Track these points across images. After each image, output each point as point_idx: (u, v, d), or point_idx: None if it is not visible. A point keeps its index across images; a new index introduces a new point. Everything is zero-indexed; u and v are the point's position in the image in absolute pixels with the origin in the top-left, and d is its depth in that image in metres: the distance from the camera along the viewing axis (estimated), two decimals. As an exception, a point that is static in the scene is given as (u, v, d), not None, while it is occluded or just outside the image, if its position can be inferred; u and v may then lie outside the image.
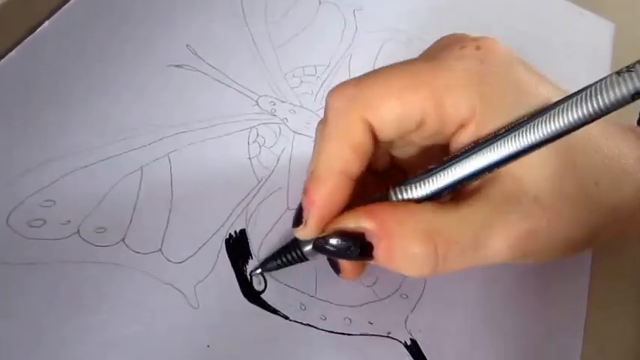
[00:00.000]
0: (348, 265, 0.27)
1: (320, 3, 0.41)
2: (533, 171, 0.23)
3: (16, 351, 0.24)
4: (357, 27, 0.41)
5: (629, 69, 0.18)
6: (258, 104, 0.35)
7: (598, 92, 0.19)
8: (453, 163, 0.23)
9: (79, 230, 0.28)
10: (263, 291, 0.28)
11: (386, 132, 0.24)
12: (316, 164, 0.24)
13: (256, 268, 0.29)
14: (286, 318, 0.28)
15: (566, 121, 0.20)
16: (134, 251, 0.28)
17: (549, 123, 0.21)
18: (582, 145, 0.25)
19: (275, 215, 0.31)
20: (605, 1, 0.47)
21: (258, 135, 0.33)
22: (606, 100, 0.19)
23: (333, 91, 0.24)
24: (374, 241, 0.23)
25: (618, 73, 0.19)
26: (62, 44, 0.33)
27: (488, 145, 0.22)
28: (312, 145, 0.25)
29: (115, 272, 0.27)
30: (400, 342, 0.29)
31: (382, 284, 0.30)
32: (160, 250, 0.28)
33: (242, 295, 0.28)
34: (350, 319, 0.29)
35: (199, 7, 0.38)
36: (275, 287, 0.29)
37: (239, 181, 0.31)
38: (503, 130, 0.22)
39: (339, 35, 0.40)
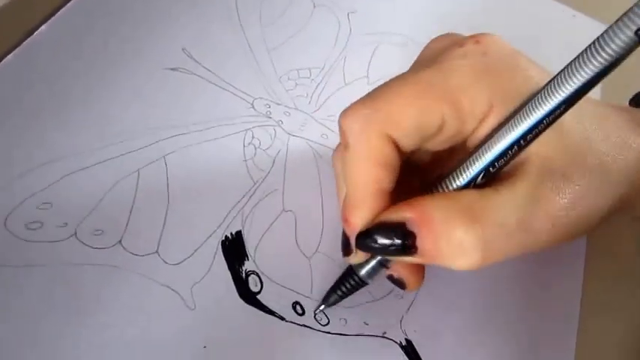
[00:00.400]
0: (409, 276, 0.26)
1: (314, 6, 0.41)
2: (558, 150, 0.24)
3: (15, 353, 0.24)
4: (351, 29, 0.41)
5: (626, 13, 0.18)
6: (253, 107, 0.35)
7: (603, 41, 0.19)
8: (483, 149, 0.23)
9: (76, 232, 0.28)
10: (259, 292, 0.29)
11: (409, 141, 0.24)
12: (350, 190, 0.24)
13: (319, 307, 0.29)
14: (282, 319, 0.28)
15: (581, 77, 0.20)
16: (131, 253, 0.28)
17: (564, 84, 0.20)
18: (589, 121, 0.25)
19: (270, 217, 0.31)
20: (599, 3, 0.47)
21: (253, 137, 0.34)
22: (613, 46, 0.18)
23: (346, 115, 0.24)
24: (416, 230, 0.22)
25: (617, 20, 0.18)
26: (59, 48, 0.33)
27: (512, 121, 0.22)
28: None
29: (112, 274, 0.27)
30: (395, 342, 0.29)
31: (377, 285, 0.30)
32: (157, 251, 0.28)
33: (238, 296, 0.28)
34: (345, 320, 0.29)
35: (195, 10, 0.38)
36: (271, 288, 0.29)
37: (235, 183, 0.32)
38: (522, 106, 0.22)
39: (334, 38, 0.40)
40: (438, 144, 0.25)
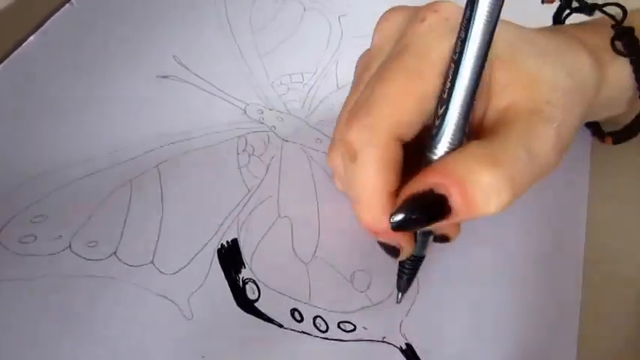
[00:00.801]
0: (448, 227, 0.27)
1: (305, 10, 0.41)
2: (538, 84, 0.25)
3: (11, 368, 0.24)
4: (342, 32, 0.41)
5: None
6: (246, 113, 0.35)
7: None
8: (452, 87, 0.23)
9: (70, 245, 0.28)
10: (257, 300, 0.28)
11: (414, 129, 0.25)
12: (366, 205, 0.25)
13: (398, 296, 0.29)
14: (281, 326, 0.28)
15: None
16: (126, 264, 0.28)
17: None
18: (545, 50, 0.27)
19: (266, 224, 0.31)
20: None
21: (247, 144, 0.33)
22: None
23: (349, 127, 0.25)
24: (445, 191, 0.23)
25: None
26: (50, 57, 0.33)
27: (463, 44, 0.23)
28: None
29: (108, 285, 0.27)
30: (396, 347, 0.29)
31: (376, 289, 0.30)
32: (152, 262, 0.28)
33: (236, 305, 0.28)
34: (344, 325, 0.29)
35: (185, 18, 0.38)
36: (268, 295, 0.29)
37: (229, 190, 0.31)
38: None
39: (325, 41, 0.40)
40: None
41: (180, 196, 0.30)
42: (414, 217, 0.24)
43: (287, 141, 0.34)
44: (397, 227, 0.24)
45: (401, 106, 0.24)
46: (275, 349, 0.27)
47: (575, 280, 0.33)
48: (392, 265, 0.29)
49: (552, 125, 0.25)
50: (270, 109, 0.35)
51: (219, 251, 0.29)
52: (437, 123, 0.24)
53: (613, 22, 0.31)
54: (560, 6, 0.34)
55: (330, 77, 0.38)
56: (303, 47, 0.39)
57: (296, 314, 0.28)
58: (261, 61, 0.37)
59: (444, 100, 0.24)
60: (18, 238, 0.27)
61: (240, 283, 0.29)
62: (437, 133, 0.24)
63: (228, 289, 0.28)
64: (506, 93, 0.25)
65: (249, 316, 0.28)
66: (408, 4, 0.28)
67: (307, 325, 0.28)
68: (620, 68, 0.30)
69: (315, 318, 0.29)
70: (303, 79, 0.37)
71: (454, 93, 0.23)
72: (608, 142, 0.36)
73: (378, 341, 0.29)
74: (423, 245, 0.27)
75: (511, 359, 0.30)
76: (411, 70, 0.24)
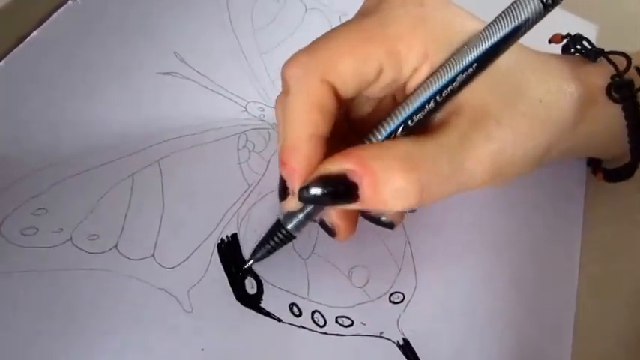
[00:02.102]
0: (342, 223, 0.27)
1: (306, 9, 0.41)
2: (493, 96, 0.25)
3: (10, 358, 0.24)
4: (343, 32, 0.41)
5: None
6: (246, 110, 0.35)
7: (516, 8, 0.23)
8: (410, 98, 0.24)
9: (71, 238, 0.28)
10: (256, 294, 0.29)
11: (347, 88, 0.25)
12: (288, 133, 0.25)
13: (248, 261, 0.29)
14: (279, 320, 0.28)
15: (491, 39, 0.24)
16: (127, 257, 0.28)
17: (484, 42, 0.24)
18: (521, 69, 0.27)
19: (266, 219, 0.31)
20: (588, 3, 0.47)
21: (247, 140, 0.34)
22: (523, 13, 0.23)
23: (287, 63, 0.25)
24: (357, 180, 0.23)
25: None
26: (52, 53, 0.33)
27: (437, 72, 0.24)
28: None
29: (108, 279, 0.27)
30: (393, 342, 0.29)
31: (374, 285, 0.30)
32: (153, 255, 0.28)
33: (235, 299, 0.28)
34: (342, 320, 0.29)
35: (186, 15, 0.38)
36: (268, 290, 0.29)
37: (229, 186, 0.32)
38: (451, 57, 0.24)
39: (326, 41, 0.40)
40: (376, 91, 0.26)
41: (181, 191, 0.31)
42: (321, 194, 0.24)
43: (287, 138, 0.35)
44: (304, 200, 0.25)
45: (338, 55, 0.24)
46: (273, 343, 0.28)
47: (571, 278, 0.33)
48: (391, 262, 0.29)
49: (489, 146, 0.25)
50: (271, 107, 0.35)
51: (219, 246, 0.29)
52: (392, 113, 0.25)
53: (615, 72, 0.31)
54: (564, 46, 0.34)
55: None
56: (304, 45, 0.39)
57: (294, 309, 0.29)
58: (262, 59, 0.38)
59: (408, 100, 0.24)
60: (20, 230, 0.27)
61: (240, 277, 0.29)
62: (386, 120, 0.25)
63: (228, 283, 0.29)
64: (458, 96, 0.25)
65: (248, 310, 0.28)
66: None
67: (305, 319, 0.29)
68: (612, 112, 0.31)
69: (313, 313, 0.29)
70: (303, 78, 0.38)
71: (422, 96, 0.24)
72: (599, 177, 0.36)
73: (376, 336, 0.29)
74: (300, 226, 0.27)
75: (508, 354, 0.30)
76: (362, 30, 0.25)
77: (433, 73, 0.24)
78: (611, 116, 0.31)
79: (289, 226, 0.26)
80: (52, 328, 0.25)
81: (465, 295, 0.31)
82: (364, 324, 0.29)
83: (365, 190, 0.23)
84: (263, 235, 0.28)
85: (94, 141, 0.31)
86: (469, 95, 0.25)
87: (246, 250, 0.30)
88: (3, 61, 0.32)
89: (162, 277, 0.28)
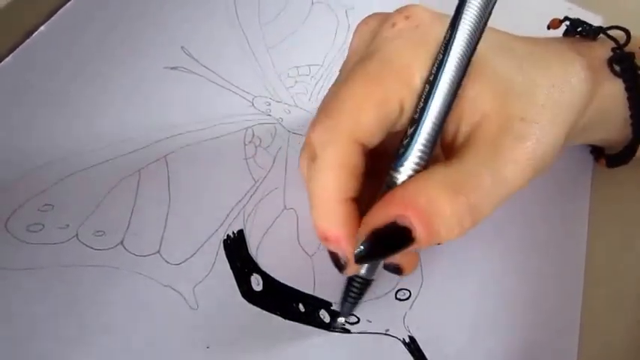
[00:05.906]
0: (404, 259, 0.27)
1: (312, 3, 0.41)
2: (508, 97, 0.25)
3: (16, 354, 0.24)
4: (349, 26, 0.41)
5: None
6: (253, 105, 0.35)
7: None
8: (424, 110, 0.23)
9: (77, 234, 0.28)
10: (261, 291, 0.28)
11: (375, 137, 0.24)
12: (323, 203, 0.24)
13: (340, 321, 0.29)
14: (285, 317, 0.28)
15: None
16: (133, 254, 0.28)
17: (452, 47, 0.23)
18: (528, 64, 0.27)
19: (272, 215, 0.31)
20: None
21: (254, 135, 0.34)
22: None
23: (312, 129, 0.24)
24: (407, 223, 0.22)
25: None
26: (58, 48, 0.33)
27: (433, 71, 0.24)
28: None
29: (114, 275, 0.27)
30: (399, 339, 0.29)
31: (380, 282, 0.30)
32: (159, 252, 0.28)
33: (241, 296, 0.28)
34: (348, 317, 0.29)
35: (193, 9, 0.38)
36: (273, 287, 0.29)
37: (236, 181, 0.32)
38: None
39: (332, 34, 0.40)
40: (402, 122, 0.25)
41: (187, 187, 0.31)
42: (377, 250, 0.23)
43: (294, 133, 0.34)
44: (361, 260, 0.24)
45: (359, 110, 0.24)
46: (279, 340, 0.28)
47: (577, 277, 0.33)
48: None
49: (524, 145, 0.24)
50: (278, 102, 0.35)
51: (224, 242, 0.29)
52: (405, 142, 0.24)
53: (615, 45, 0.31)
54: (566, 30, 0.34)
55: (337, 70, 0.38)
56: (311, 40, 0.39)
57: (300, 306, 0.29)
58: (269, 54, 0.37)
59: (414, 121, 0.23)
60: (25, 227, 0.27)
61: (245, 274, 0.29)
62: (404, 153, 0.24)
63: (233, 279, 0.28)
64: (476, 106, 0.25)
65: (253, 307, 0.28)
66: (410, 2, 0.28)
67: (311, 316, 0.28)
68: (616, 87, 0.30)
69: (319, 310, 0.29)
70: (310, 72, 0.37)
71: (426, 114, 0.23)
72: (601, 163, 0.36)
73: (382, 334, 0.29)
74: (372, 269, 0.26)
75: (515, 350, 0.30)
76: (371, 75, 0.24)
77: (425, 83, 0.24)
78: (616, 95, 0.30)
79: (362, 273, 0.26)
80: (58, 325, 0.25)
81: (471, 292, 0.31)
82: (370, 321, 0.29)
83: (418, 230, 0.22)
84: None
85: (101, 136, 0.31)
86: (488, 103, 0.24)
87: (252, 247, 0.30)
88: (9, 56, 0.32)
89: (167, 274, 0.28)
